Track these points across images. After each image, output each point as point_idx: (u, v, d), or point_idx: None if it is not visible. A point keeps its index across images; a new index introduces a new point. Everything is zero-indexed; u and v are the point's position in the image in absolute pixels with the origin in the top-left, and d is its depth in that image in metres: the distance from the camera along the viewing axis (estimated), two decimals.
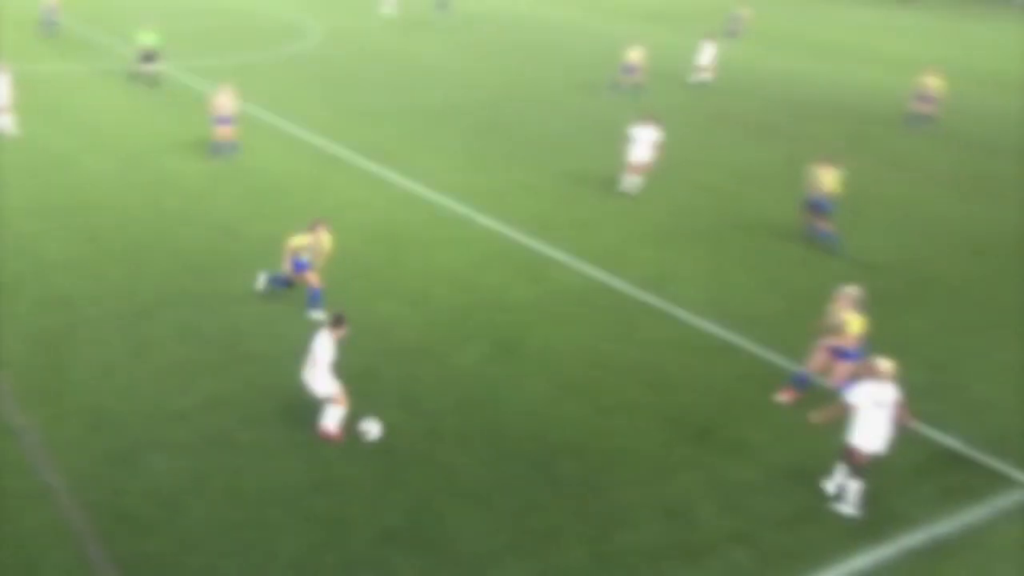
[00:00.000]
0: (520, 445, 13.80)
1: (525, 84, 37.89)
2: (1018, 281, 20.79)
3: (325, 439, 13.66)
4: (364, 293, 18.51)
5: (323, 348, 13.53)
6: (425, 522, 12.12)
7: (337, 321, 13.69)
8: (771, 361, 16.67)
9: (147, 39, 34.43)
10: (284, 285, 18.11)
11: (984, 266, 21.65)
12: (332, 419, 13.78)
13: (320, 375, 13.62)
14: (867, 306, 15.60)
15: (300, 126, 29.93)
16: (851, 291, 15.30)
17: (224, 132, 26.44)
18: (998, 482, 13.67)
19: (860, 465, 12.66)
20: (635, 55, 37.43)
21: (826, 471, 13.52)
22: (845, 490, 12.83)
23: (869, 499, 12.95)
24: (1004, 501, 13.26)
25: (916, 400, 15.44)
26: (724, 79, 40.70)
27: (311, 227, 17.74)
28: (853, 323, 14.77)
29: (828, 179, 22.08)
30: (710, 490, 13.09)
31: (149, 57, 34.52)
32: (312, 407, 14.46)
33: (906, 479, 13.54)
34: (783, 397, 15.50)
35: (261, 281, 18.22)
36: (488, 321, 17.58)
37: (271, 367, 15.56)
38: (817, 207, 22.25)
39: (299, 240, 17.52)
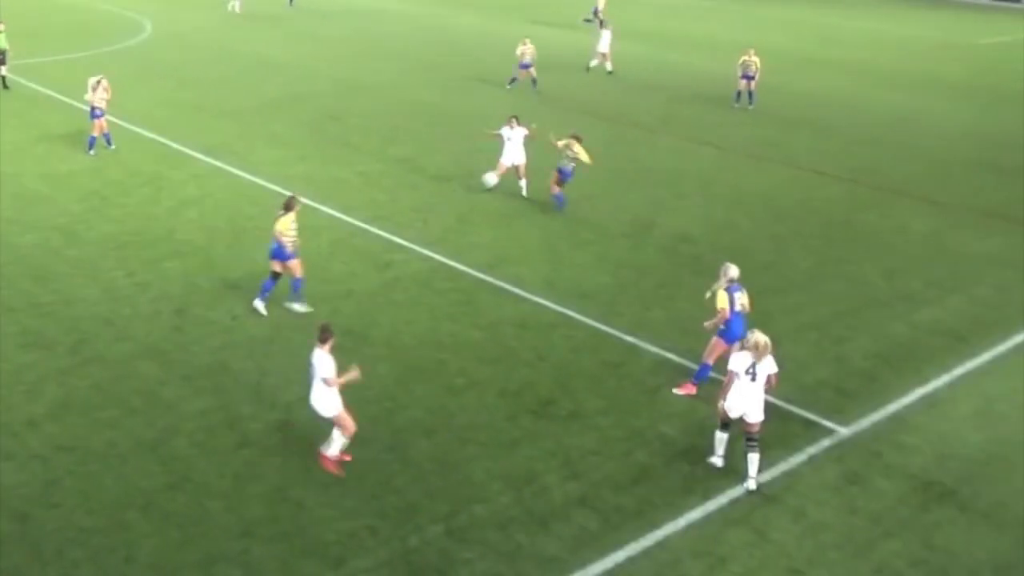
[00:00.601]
0: (372, 429, 13.53)
1: (363, 75, 37.21)
2: (812, 245, 21.62)
3: (323, 466, 12.54)
4: (210, 288, 17.87)
5: (323, 365, 12.17)
6: (284, 513, 11.78)
7: (324, 333, 12.31)
8: (604, 332, 16.86)
9: None
10: (271, 286, 16.91)
11: (783, 232, 22.40)
12: (334, 446, 12.48)
13: (324, 394, 12.30)
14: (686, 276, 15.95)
15: (138, 124, 28.61)
16: (730, 270, 14.75)
17: (99, 124, 25.52)
18: (809, 431, 14.19)
19: (725, 423, 12.96)
20: (527, 50, 35.92)
21: (658, 433, 13.82)
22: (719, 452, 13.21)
23: (696, 457, 13.29)
24: (815, 448, 13.76)
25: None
26: (556, 64, 40.94)
27: (287, 206, 16.65)
28: (720, 298, 14.74)
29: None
30: (554, 459, 13.16)
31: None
32: (166, 405, 13.91)
33: (730, 436, 13.89)
34: (681, 391, 14.97)
35: (261, 307, 16.93)
36: (335, 310, 17.21)
37: (118, 369, 14.86)
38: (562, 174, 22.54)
39: (284, 222, 16.40)
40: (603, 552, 11.36)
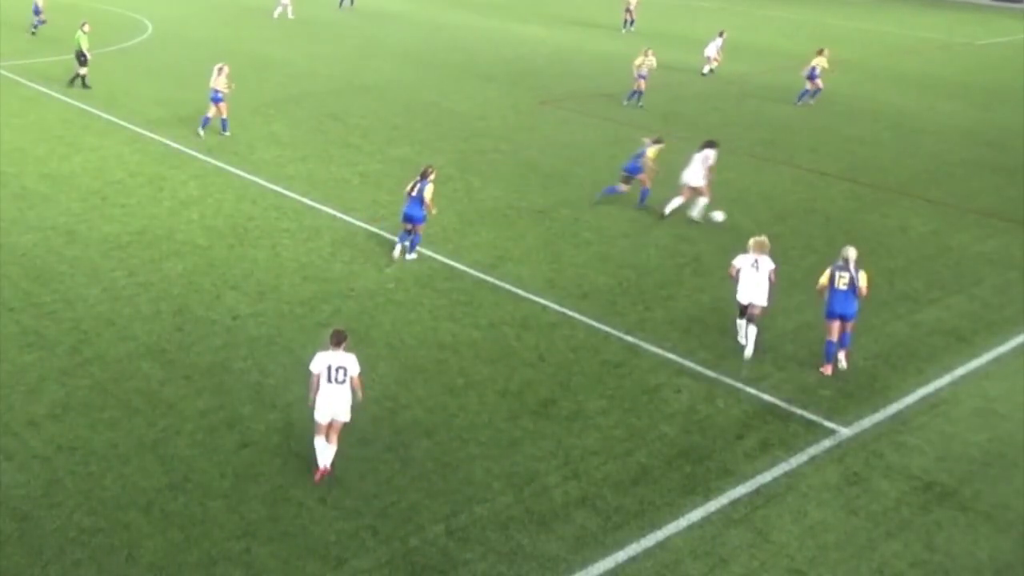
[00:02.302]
0: (373, 429, 13.55)
1: (363, 75, 37.18)
2: (814, 245, 21.59)
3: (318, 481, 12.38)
4: (211, 288, 17.85)
5: (355, 364, 12.19)
6: (285, 513, 11.77)
7: (340, 335, 12.25)
8: (604, 332, 16.84)
9: None
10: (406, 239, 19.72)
11: (784, 231, 22.36)
12: (332, 455, 12.40)
13: (348, 397, 12.20)
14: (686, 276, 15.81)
15: (139, 124, 28.60)
16: (844, 251, 15.82)
17: (219, 108, 27.34)
18: (810, 431, 14.17)
19: (742, 310, 16.28)
20: (646, 61, 34.98)
21: (659, 433, 13.82)
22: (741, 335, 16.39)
23: (697, 457, 13.29)
24: (816, 448, 13.75)
25: (736, 361, 16.02)
26: (557, 63, 40.96)
27: (423, 174, 19.46)
28: (824, 275, 15.92)
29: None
30: (554, 459, 13.14)
31: None
32: (167, 405, 13.90)
33: (730, 436, 13.91)
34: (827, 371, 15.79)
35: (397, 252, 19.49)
36: (336, 310, 17.20)
37: (119, 369, 14.85)
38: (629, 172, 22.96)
39: (429, 189, 19.23)
40: (604, 552, 11.35)
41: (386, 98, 33.72)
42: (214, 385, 14.57)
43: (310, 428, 12.55)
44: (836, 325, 15.70)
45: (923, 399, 15.25)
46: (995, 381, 15.95)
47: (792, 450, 13.63)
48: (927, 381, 15.77)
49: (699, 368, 15.74)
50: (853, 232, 22.37)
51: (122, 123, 28.58)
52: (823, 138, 30.91)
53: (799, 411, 14.67)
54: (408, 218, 19.40)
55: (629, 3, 52.87)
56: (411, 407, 14.23)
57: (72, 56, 32.80)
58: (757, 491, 12.69)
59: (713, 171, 22.73)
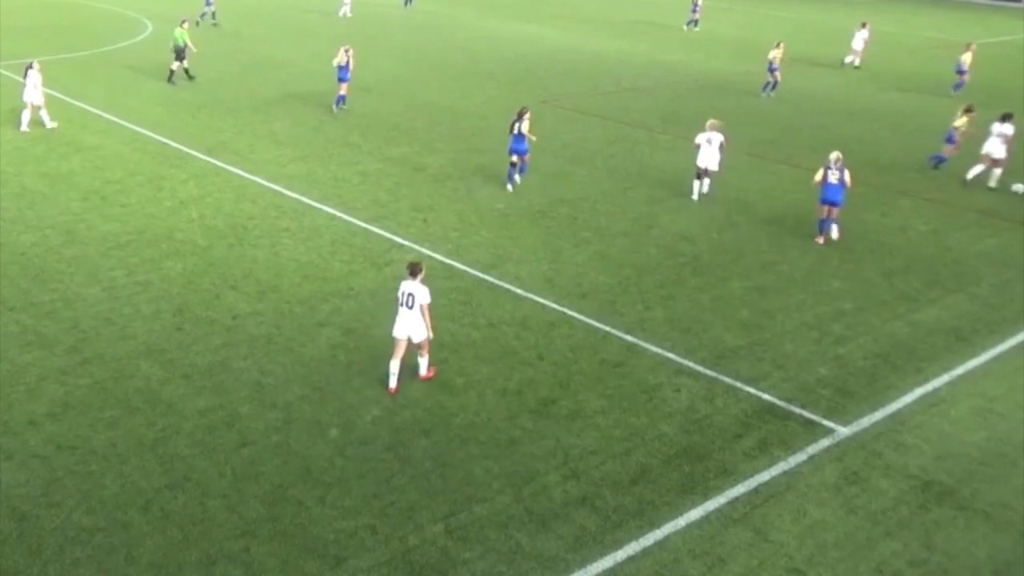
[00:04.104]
0: (373, 429, 13.59)
1: (362, 74, 37.17)
2: (813, 244, 21.60)
3: (427, 379, 14.92)
4: (211, 287, 17.87)
5: (425, 293, 14.33)
6: (284, 512, 11.79)
7: (416, 266, 14.49)
8: (604, 331, 16.86)
9: None
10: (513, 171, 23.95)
11: (783, 231, 22.39)
12: (424, 364, 14.98)
13: (420, 321, 14.43)
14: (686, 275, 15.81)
15: (138, 123, 28.64)
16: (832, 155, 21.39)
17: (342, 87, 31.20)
18: (809, 430, 14.18)
19: (699, 173, 23.70)
20: (777, 54, 37.34)
21: (658, 432, 13.83)
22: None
23: (696, 456, 13.30)
24: (815, 447, 13.76)
25: (735, 360, 16.05)
26: (546, 60, 40.96)
27: (520, 114, 23.57)
28: (818, 172, 21.05)
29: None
30: (554, 458, 13.16)
31: None
32: (166, 404, 13.91)
33: (729, 435, 13.92)
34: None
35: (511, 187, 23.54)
36: (336, 309, 17.24)
37: (119, 369, 14.86)
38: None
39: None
40: (603, 551, 11.36)
41: (386, 97, 33.75)
42: (213, 384, 14.59)
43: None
44: (827, 209, 21.43)
45: (922, 398, 15.26)
46: (994, 380, 15.97)
47: (791, 449, 13.65)
48: (926, 380, 15.79)
49: (698, 367, 15.75)
50: (853, 231, 22.40)
51: (121, 122, 28.61)
52: (823, 137, 30.86)
53: (798, 410, 14.68)
54: (515, 151, 23.71)
55: (696, 1, 53.80)
56: (410, 407, 14.25)
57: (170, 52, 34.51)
58: (756, 490, 12.70)
59: (1011, 142, 26.30)
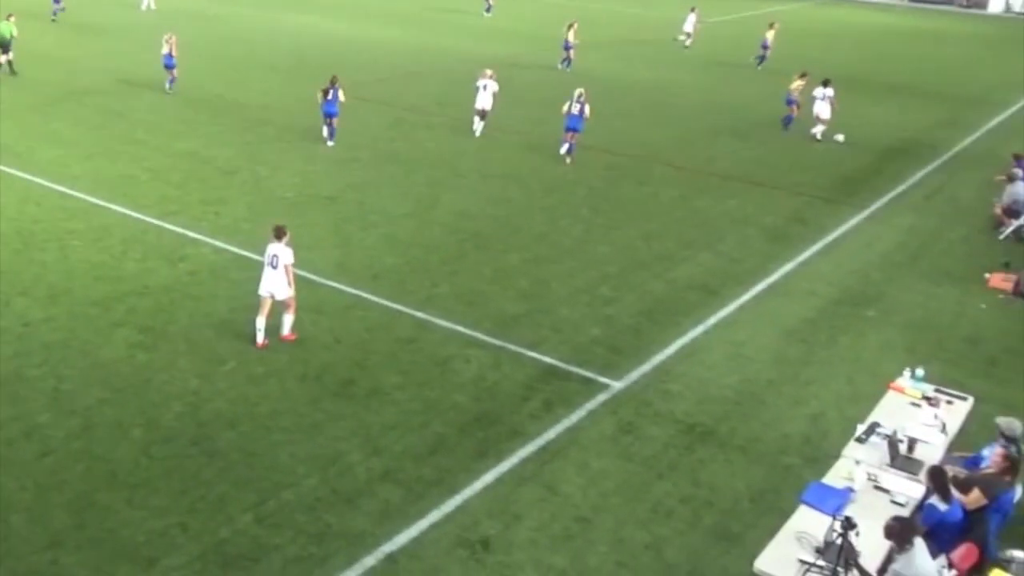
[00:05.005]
0: (177, 425, 12.88)
1: (142, 69, 35.04)
2: (580, 214, 22.12)
3: (286, 341, 15.12)
4: None
5: (288, 254, 14.71)
6: (91, 519, 11.00)
7: (280, 229, 14.88)
8: (396, 311, 16.65)
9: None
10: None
11: (554, 203, 22.79)
12: (288, 325, 15.18)
13: (283, 280, 14.73)
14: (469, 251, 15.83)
15: None
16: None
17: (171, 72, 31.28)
18: (586, 387, 14.51)
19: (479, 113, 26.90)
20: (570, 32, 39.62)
21: (452, 402, 13.80)
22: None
23: (488, 422, 13.36)
24: (592, 403, 14.07)
25: (517, 327, 16.22)
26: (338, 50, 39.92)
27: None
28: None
29: None
30: (356, 437, 12.88)
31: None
32: None
33: (517, 399, 14.05)
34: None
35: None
36: (131, 308, 16.20)
37: None
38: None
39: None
40: (407, 523, 11.21)
41: (169, 92, 31.93)
42: (8, 395, 13.41)
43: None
44: (570, 134, 25.70)
45: (681, 349, 15.92)
46: (741, 328, 16.86)
47: (572, 407, 13.92)
48: (684, 332, 16.47)
49: (485, 337, 15.82)
50: (612, 199, 23.08)
51: None
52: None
53: (576, 370, 14.99)
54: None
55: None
56: (213, 399, 13.60)
57: None
58: (544, 448, 12.88)
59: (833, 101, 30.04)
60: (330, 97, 26.04)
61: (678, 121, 31.70)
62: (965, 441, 12.29)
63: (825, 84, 30.11)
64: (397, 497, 11.70)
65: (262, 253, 18.51)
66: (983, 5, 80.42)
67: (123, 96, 31.08)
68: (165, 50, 31.56)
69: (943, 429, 11.81)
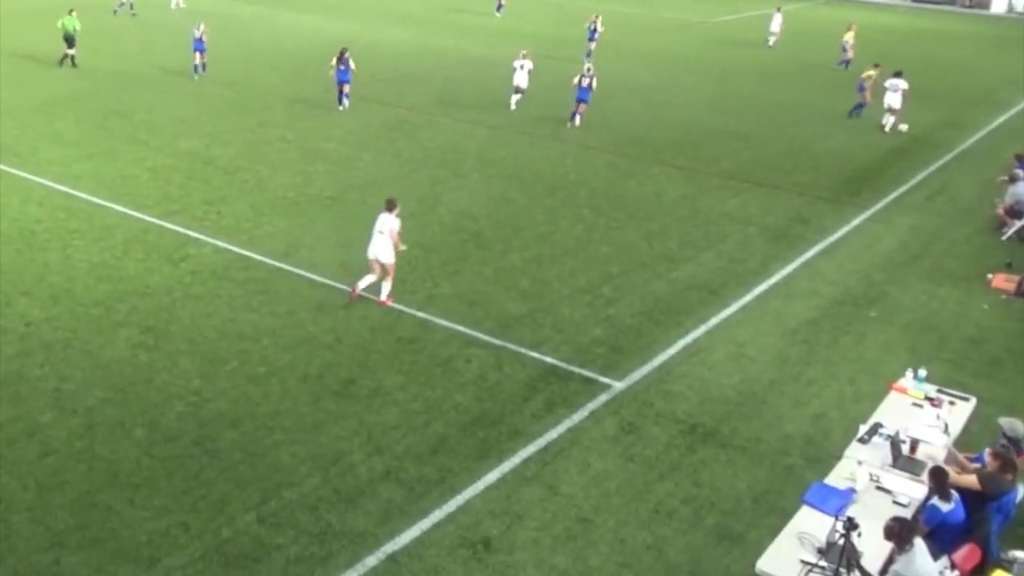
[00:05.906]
0: (179, 425, 12.89)
1: (144, 69, 35.07)
2: (582, 214, 22.11)
3: (382, 306, 16.44)
4: (1, 295, 16.41)
5: (394, 225, 16.29)
6: (93, 519, 11.02)
7: (392, 202, 16.50)
8: (397, 310, 16.63)
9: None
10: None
11: (555, 203, 22.77)
12: (387, 289, 16.61)
13: (389, 247, 16.25)
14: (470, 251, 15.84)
15: None
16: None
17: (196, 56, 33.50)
18: (588, 388, 14.50)
19: (517, 88, 29.37)
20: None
21: (454, 402, 13.80)
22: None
23: (490, 422, 13.36)
24: (594, 403, 14.07)
25: (519, 327, 16.21)
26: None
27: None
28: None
29: None
30: (357, 437, 12.89)
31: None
32: None
33: (518, 399, 14.04)
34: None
35: None
36: (133, 308, 16.21)
37: None
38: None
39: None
40: (410, 522, 11.21)
41: (171, 92, 31.94)
42: (10, 395, 13.43)
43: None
44: (578, 104, 29.13)
45: (683, 349, 15.91)
46: (743, 327, 16.84)
47: (574, 407, 13.91)
48: (686, 332, 16.46)
49: (486, 337, 15.81)
50: (614, 199, 23.06)
51: None
52: (587, 114, 31.57)
53: (578, 370, 14.98)
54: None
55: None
56: (215, 399, 13.61)
57: None
58: (545, 448, 12.88)
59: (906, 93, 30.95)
60: (343, 67, 29.30)
61: (680, 121, 31.67)
62: (967, 442, 12.29)
63: (897, 75, 30.99)
64: (399, 497, 11.70)
65: (263, 253, 18.75)
66: (985, 5, 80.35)
67: (123, 95, 31.02)
68: (197, 35, 33.73)
69: (945, 430, 11.81)
